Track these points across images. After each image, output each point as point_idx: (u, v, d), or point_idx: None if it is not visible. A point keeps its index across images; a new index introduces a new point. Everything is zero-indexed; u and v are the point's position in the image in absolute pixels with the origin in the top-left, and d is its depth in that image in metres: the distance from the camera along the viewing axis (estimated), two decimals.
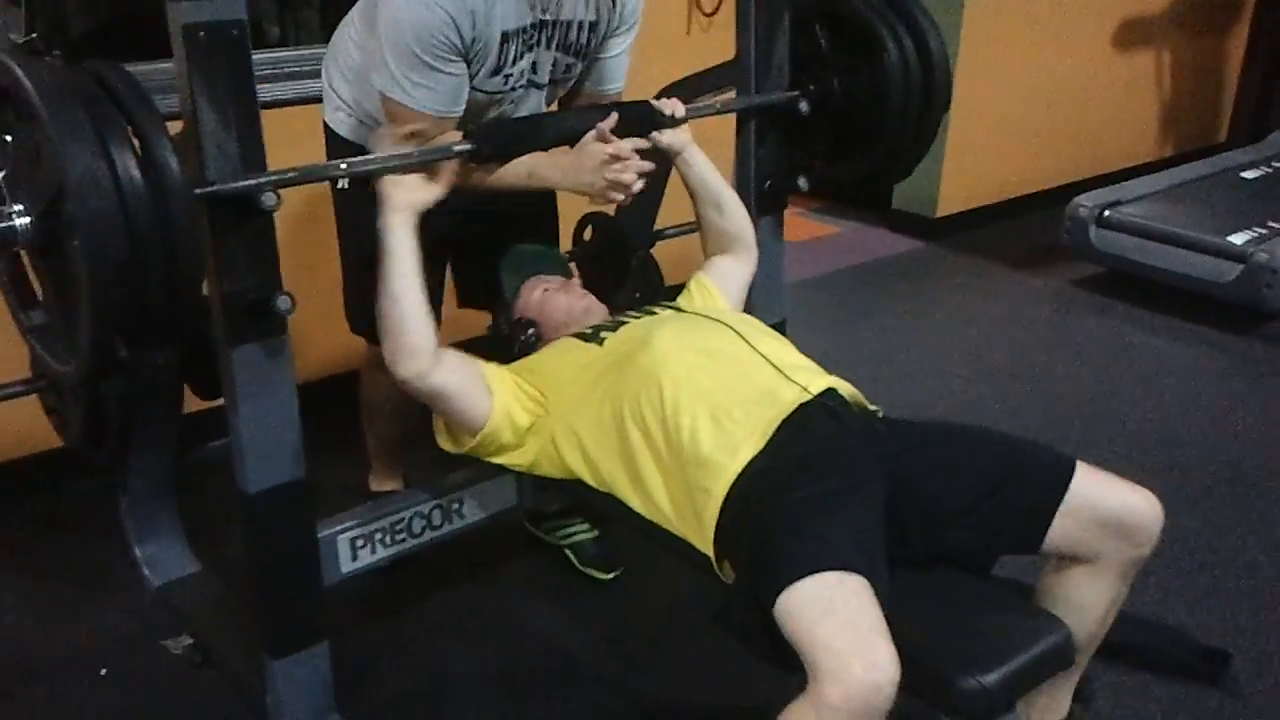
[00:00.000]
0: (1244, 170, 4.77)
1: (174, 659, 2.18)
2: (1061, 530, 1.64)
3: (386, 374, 2.34)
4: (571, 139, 1.97)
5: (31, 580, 2.46)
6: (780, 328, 2.45)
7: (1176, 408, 3.36)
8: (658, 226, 2.66)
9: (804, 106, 2.29)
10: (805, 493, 1.54)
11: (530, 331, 2.06)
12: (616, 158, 1.92)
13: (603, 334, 1.91)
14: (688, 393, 1.69)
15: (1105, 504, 1.64)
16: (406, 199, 1.73)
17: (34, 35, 3.80)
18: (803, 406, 1.68)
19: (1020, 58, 4.82)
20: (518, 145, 1.95)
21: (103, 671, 2.20)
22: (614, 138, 1.94)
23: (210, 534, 2.25)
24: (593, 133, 1.94)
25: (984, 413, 3.25)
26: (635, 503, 1.75)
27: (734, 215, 2.15)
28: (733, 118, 2.33)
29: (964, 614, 1.61)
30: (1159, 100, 5.72)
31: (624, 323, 1.93)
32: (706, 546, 1.63)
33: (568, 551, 2.50)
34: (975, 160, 4.83)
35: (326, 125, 2.22)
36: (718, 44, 2.30)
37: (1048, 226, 4.48)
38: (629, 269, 2.58)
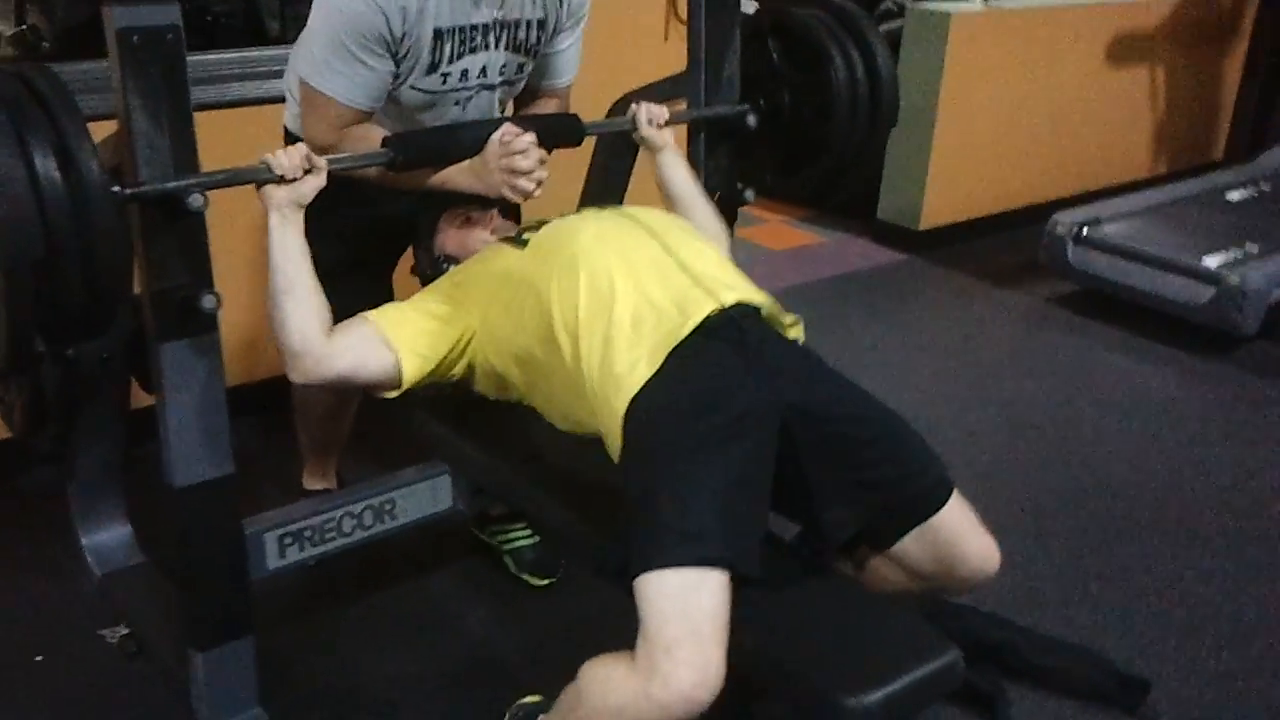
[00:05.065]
0: (1229, 191, 4.74)
1: (110, 648, 2.21)
2: (906, 543, 1.70)
3: None
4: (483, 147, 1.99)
5: None
6: None
7: (1138, 434, 3.32)
8: None
9: (751, 120, 2.30)
10: (691, 442, 1.55)
11: (447, 269, 2.04)
12: (511, 152, 1.94)
13: (525, 234, 1.92)
14: (601, 296, 1.71)
15: (954, 545, 1.69)
16: (288, 195, 1.72)
17: (24, 27, 3.85)
18: (709, 321, 1.67)
19: (1009, 71, 4.81)
20: (432, 156, 1.98)
21: (38, 658, 2.23)
22: (513, 137, 1.95)
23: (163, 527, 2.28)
24: (495, 134, 1.96)
25: (940, 438, 3.08)
26: (555, 402, 1.81)
27: (706, 225, 2.14)
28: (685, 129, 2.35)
29: (850, 628, 1.62)
30: (1153, 117, 5.69)
31: (546, 221, 1.94)
32: (614, 454, 1.67)
33: (506, 557, 2.51)
34: (961, 173, 4.83)
35: (285, 127, 2.25)
36: None
37: (1031, 242, 4.43)
38: None
